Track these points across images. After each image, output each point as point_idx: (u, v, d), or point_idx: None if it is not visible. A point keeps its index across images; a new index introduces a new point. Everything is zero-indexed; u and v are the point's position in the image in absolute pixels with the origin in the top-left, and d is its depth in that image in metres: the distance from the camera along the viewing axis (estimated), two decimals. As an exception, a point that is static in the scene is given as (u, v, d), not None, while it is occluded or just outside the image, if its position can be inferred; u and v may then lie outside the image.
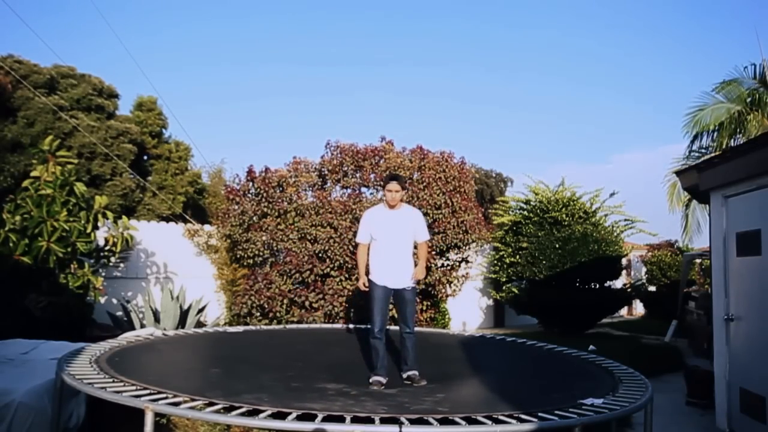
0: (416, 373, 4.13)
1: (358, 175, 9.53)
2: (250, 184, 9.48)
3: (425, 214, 9.10)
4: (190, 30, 46.37)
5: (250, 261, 9.14)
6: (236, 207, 9.32)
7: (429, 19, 50.59)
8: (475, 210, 9.66)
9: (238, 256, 9.27)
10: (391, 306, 4.45)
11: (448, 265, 9.64)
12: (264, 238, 8.95)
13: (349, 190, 9.59)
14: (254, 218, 9.15)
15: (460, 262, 9.83)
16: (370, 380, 4.02)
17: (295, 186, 9.34)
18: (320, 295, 8.60)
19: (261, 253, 9.01)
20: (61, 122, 12.57)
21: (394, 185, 4.28)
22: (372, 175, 9.36)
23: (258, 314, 8.68)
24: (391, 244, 4.27)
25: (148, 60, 41.45)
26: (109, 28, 37.37)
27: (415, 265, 4.39)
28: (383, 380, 4.00)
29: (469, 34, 51.33)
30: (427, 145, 10.09)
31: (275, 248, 9.09)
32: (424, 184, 9.27)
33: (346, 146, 9.60)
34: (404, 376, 4.16)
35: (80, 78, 14.14)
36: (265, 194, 9.20)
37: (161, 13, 42.82)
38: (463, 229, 9.25)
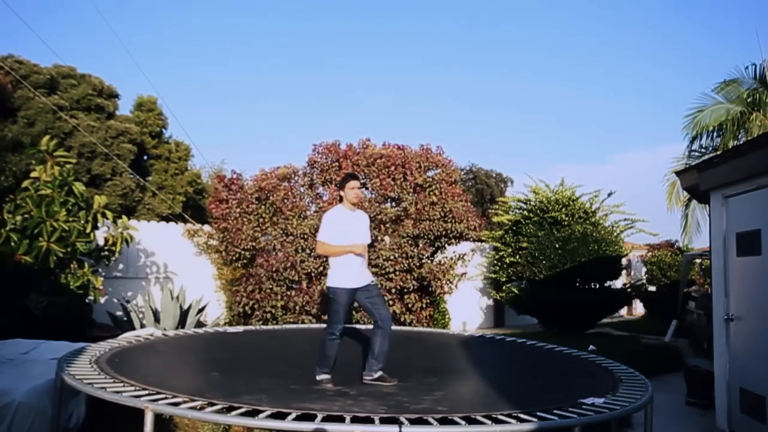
0: (381, 373, 4.10)
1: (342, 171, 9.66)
2: (226, 189, 9.71)
3: (400, 199, 9.21)
4: (190, 30, 46.40)
5: (244, 261, 9.26)
6: (223, 208, 9.46)
7: (429, 19, 50.62)
8: (463, 198, 9.73)
9: (232, 257, 9.39)
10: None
11: (443, 260, 9.70)
12: (251, 234, 9.08)
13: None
14: (236, 219, 9.30)
15: (456, 260, 9.87)
16: (319, 378, 4.04)
17: (276, 188, 9.46)
18: (306, 297, 8.67)
19: (250, 248, 9.11)
20: (61, 122, 12.57)
21: (356, 183, 4.37)
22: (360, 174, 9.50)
23: (255, 314, 8.74)
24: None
25: (148, 59, 41.48)
26: (109, 28, 37.37)
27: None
28: (330, 377, 4.07)
29: (470, 34, 51.35)
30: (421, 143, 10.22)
31: (260, 247, 9.19)
32: (404, 171, 9.34)
33: (330, 145, 9.71)
34: (374, 375, 4.08)
35: (80, 78, 14.13)
36: (243, 197, 9.42)
37: (161, 13, 42.85)
38: (451, 218, 9.31)
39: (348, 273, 4.25)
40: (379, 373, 4.11)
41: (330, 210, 4.53)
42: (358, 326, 6.66)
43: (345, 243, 4.24)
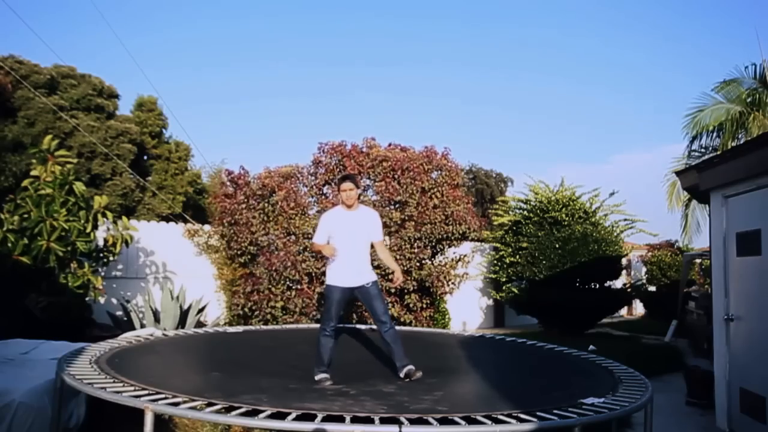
0: (411, 367, 4.13)
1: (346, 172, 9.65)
2: (232, 185, 9.70)
3: (405, 203, 9.18)
4: (190, 30, 46.40)
5: (241, 260, 9.24)
6: (226, 207, 9.46)
7: (429, 18, 50.62)
8: (465, 200, 9.71)
9: (232, 255, 9.39)
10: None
11: (444, 261, 9.69)
12: (252, 233, 9.07)
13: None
14: (239, 213, 9.28)
15: (457, 261, 9.87)
16: (317, 378, 4.03)
17: (280, 186, 9.46)
18: (306, 299, 8.66)
19: (253, 246, 9.10)
20: (61, 122, 12.57)
21: (348, 185, 4.37)
22: (359, 173, 9.48)
23: (254, 315, 8.74)
24: (349, 243, 4.31)
25: (148, 59, 41.45)
26: (109, 28, 37.39)
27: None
28: (328, 376, 4.07)
29: (469, 34, 51.35)
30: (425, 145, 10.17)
31: (261, 245, 9.18)
32: (411, 175, 9.31)
33: (336, 145, 9.71)
34: (401, 375, 4.13)
35: (80, 78, 14.13)
36: (249, 192, 9.41)
37: (161, 13, 42.85)
38: (452, 220, 9.30)
39: (338, 271, 4.31)
40: (405, 369, 4.12)
41: (326, 212, 4.68)
42: (358, 326, 6.66)
43: (336, 242, 4.31)
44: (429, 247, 9.33)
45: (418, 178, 9.26)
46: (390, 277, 8.83)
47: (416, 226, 9.21)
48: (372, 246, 4.54)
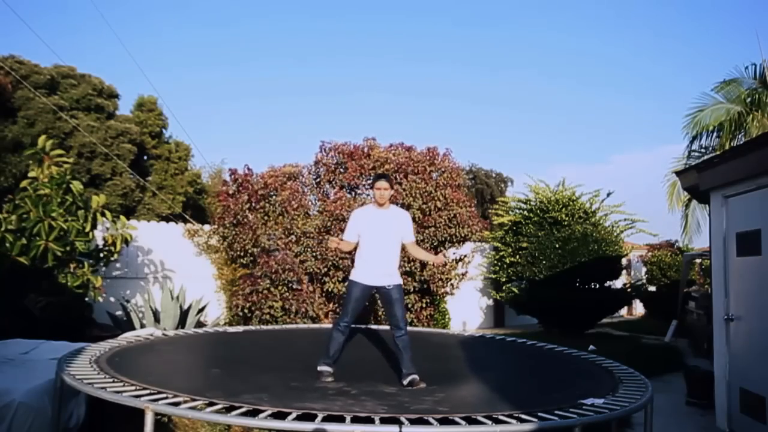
0: (415, 377, 4.04)
1: (347, 173, 9.62)
2: (235, 185, 9.66)
3: (409, 207, 9.17)
4: (190, 30, 46.41)
5: (243, 261, 9.22)
6: (228, 206, 9.44)
7: (429, 18, 50.62)
8: (468, 203, 9.70)
9: (233, 255, 9.37)
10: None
11: (445, 262, 9.69)
12: (256, 234, 9.03)
13: (346, 189, 9.66)
14: (242, 214, 9.25)
15: (457, 261, 9.87)
16: (319, 369, 4.09)
17: (283, 186, 9.43)
18: (300, 301, 8.66)
19: (256, 248, 9.08)
20: (61, 122, 12.57)
21: (382, 183, 4.36)
22: (361, 174, 9.44)
23: (255, 315, 8.73)
24: (376, 242, 4.30)
25: (148, 60, 41.51)
26: (109, 28, 37.41)
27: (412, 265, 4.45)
28: (331, 370, 4.09)
29: (470, 34, 51.36)
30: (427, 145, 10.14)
31: (263, 246, 9.15)
32: (417, 176, 9.28)
33: (339, 145, 9.69)
34: (404, 382, 4.02)
35: (80, 78, 14.12)
36: (252, 192, 9.38)
37: (161, 13, 42.86)
38: (455, 223, 9.28)
39: (363, 268, 4.30)
40: (409, 378, 4.02)
41: (357, 208, 4.73)
42: (371, 327, 6.64)
43: (364, 240, 4.32)
44: (432, 249, 9.33)
45: (421, 182, 9.24)
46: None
47: (419, 229, 9.20)
48: (404, 248, 4.52)
